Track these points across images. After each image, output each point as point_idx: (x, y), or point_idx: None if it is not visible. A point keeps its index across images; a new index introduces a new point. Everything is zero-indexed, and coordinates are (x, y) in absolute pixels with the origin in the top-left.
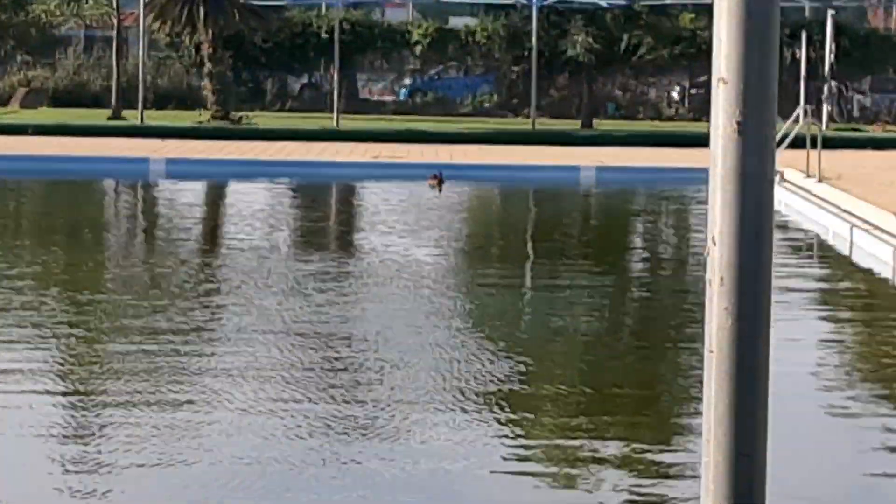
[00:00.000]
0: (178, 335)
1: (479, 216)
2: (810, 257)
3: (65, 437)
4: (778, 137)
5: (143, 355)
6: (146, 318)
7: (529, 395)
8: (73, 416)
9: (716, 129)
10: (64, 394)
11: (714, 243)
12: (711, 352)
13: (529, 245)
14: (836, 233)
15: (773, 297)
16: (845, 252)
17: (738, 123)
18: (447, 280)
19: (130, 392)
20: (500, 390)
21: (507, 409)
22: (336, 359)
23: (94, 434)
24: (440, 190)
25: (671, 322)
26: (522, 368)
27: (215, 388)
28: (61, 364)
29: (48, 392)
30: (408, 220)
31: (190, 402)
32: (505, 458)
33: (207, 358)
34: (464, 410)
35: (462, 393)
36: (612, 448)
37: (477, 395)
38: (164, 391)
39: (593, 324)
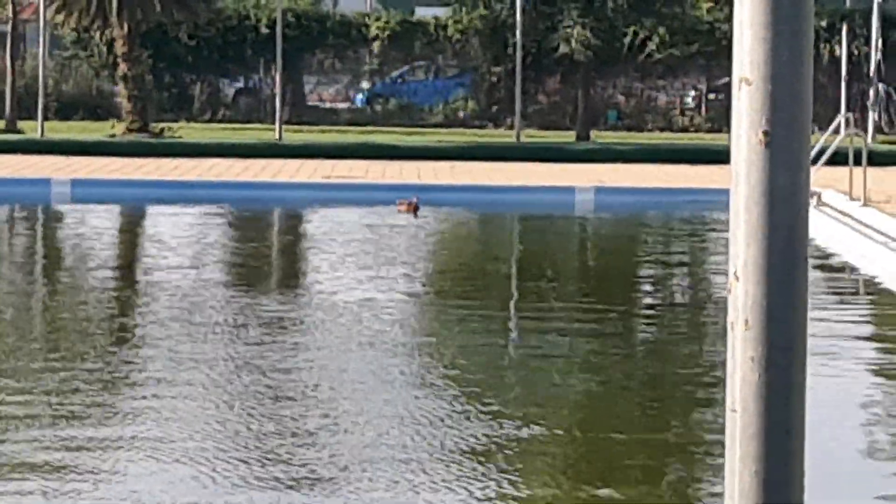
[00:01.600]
0: (74, 402)
1: (450, 253)
2: (854, 299)
3: None
4: (814, 152)
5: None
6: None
7: None
8: None
9: (738, 141)
10: None
11: (737, 279)
12: (734, 411)
13: (516, 295)
14: (884, 268)
15: (808, 345)
16: None
17: (765, 133)
18: (417, 347)
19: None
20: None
21: None
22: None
23: None
24: (416, 216)
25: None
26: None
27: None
28: None
29: None
30: (368, 258)
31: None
32: None
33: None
34: None
35: None
36: None
37: None
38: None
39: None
